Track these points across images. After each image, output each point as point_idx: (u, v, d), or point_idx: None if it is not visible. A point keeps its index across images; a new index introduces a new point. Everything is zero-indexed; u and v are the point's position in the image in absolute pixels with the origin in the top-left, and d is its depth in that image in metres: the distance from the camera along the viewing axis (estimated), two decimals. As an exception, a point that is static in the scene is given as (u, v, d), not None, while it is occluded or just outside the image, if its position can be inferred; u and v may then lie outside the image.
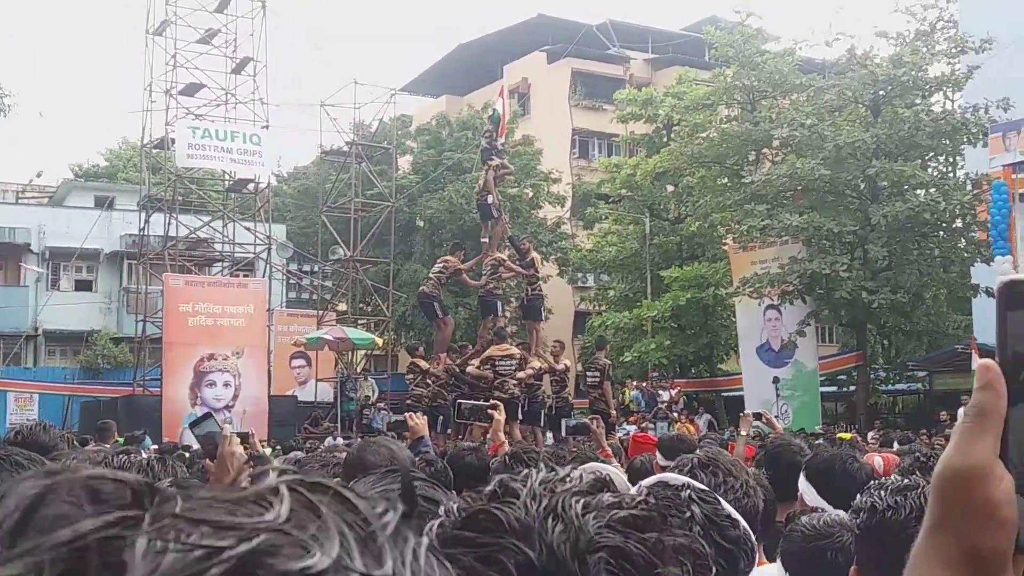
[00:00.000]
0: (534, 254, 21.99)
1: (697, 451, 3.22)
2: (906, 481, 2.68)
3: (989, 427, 0.90)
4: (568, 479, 1.00)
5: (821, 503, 4.10)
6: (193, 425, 4.92)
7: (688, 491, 2.03)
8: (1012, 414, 0.91)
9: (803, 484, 4.85)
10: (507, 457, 4.20)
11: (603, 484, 1.00)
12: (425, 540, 0.61)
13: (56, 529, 0.52)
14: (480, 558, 0.91)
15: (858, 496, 2.71)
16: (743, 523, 2.01)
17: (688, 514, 1.96)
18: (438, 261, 21.81)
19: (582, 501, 0.95)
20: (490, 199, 21.18)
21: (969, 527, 0.89)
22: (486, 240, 21.79)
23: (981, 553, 0.89)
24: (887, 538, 2.52)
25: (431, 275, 21.40)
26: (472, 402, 14.60)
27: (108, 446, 9.38)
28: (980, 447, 0.90)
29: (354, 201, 30.85)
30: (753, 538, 2.02)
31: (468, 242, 26.46)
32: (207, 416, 5.05)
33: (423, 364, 19.99)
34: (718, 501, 2.07)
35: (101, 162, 53.25)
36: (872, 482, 2.81)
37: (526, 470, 1.03)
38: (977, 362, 0.96)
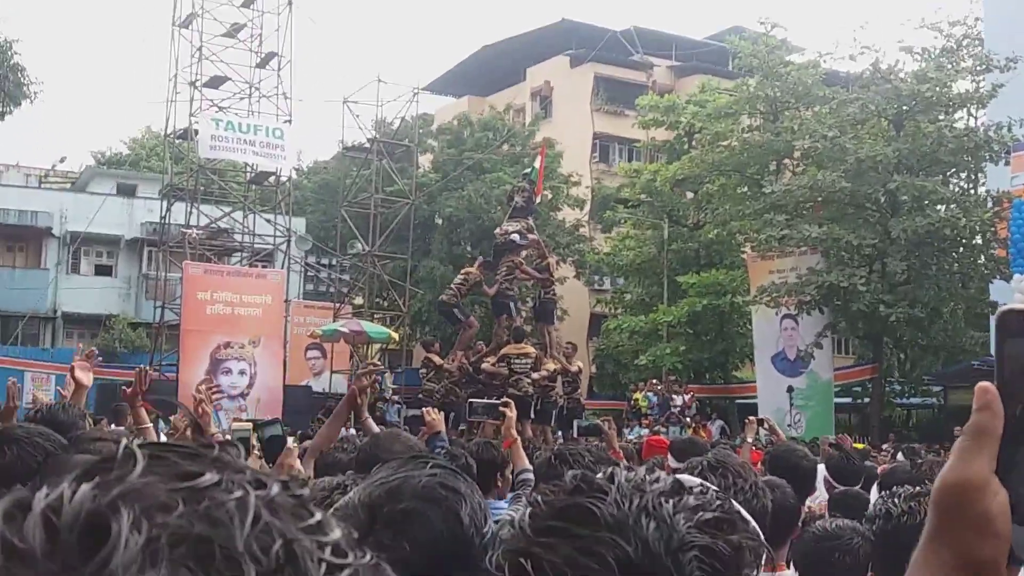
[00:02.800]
0: (550, 259, 22.03)
1: (707, 454, 3.25)
2: (918, 488, 2.78)
3: (986, 445, 0.96)
4: (652, 479, 1.04)
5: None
6: (260, 427, 4.97)
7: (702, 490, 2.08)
8: (1008, 438, 0.97)
9: (821, 488, 4.95)
10: (552, 456, 4.21)
11: (682, 486, 1.05)
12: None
13: None
14: (577, 549, 0.96)
15: (871, 506, 2.80)
16: (753, 524, 2.05)
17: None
18: (460, 272, 21.82)
19: (671, 501, 1.00)
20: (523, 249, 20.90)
21: (965, 537, 0.95)
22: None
23: (976, 562, 0.95)
24: (902, 542, 2.55)
25: (451, 285, 21.44)
26: (485, 400, 14.57)
27: (123, 428, 9.41)
28: (977, 463, 0.96)
29: (374, 197, 30.92)
30: (762, 538, 2.06)
31: (485, 241, 26.50)
32: (275, 421, 5.10)
33: (437, 360, 20.02)
34: (729, 501, 2.11)
35: (124, 150, 53.50)
36: (886, 491, 2.91)
37: (610, 468, 1.08)
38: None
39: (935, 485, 0.99)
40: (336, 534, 0.57)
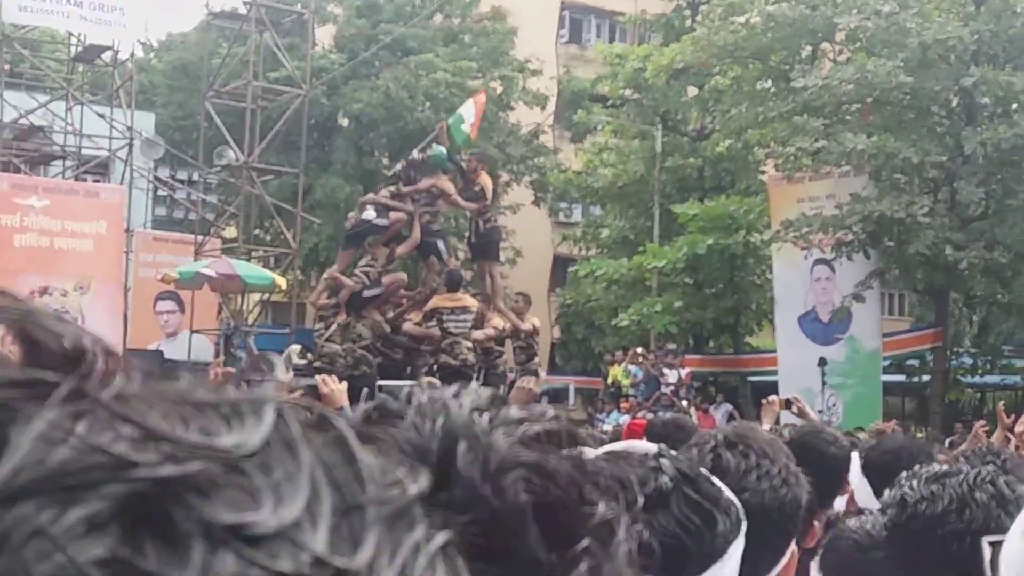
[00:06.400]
0: (484, 179, 21.49)
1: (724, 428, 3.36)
2: (945, 467, 2.92)
3: None
4: (460, 394, 1.11)
5: (875, 505, 4.31)
6: None
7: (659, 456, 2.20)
8: None
9: (856, 479, 5.18)
10: None
11: (502, 400, 1.13)
12: (441, 538, 0.62)
13: None
14: None
15: (886, 491, 2.94)
16: (727, 490, 2.21)
17: (654, 464, 2.13)
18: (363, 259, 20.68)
19: (485, 415, 0.97)
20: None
21: None
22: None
23: None
24: (920, 535, 2.75)
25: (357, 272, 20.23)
26: (403, 382, 14.48)
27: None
28: None
29: (252, 85, 30.57)
30: (739, 506, 2.21)
31: (408, 149, 26.38)
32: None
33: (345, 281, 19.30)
34: (697, 465, 2.25)
35: None
36: (903, 473, 3.02)
37: (408, 388, 1.15)
38: None
39: None
40: None
